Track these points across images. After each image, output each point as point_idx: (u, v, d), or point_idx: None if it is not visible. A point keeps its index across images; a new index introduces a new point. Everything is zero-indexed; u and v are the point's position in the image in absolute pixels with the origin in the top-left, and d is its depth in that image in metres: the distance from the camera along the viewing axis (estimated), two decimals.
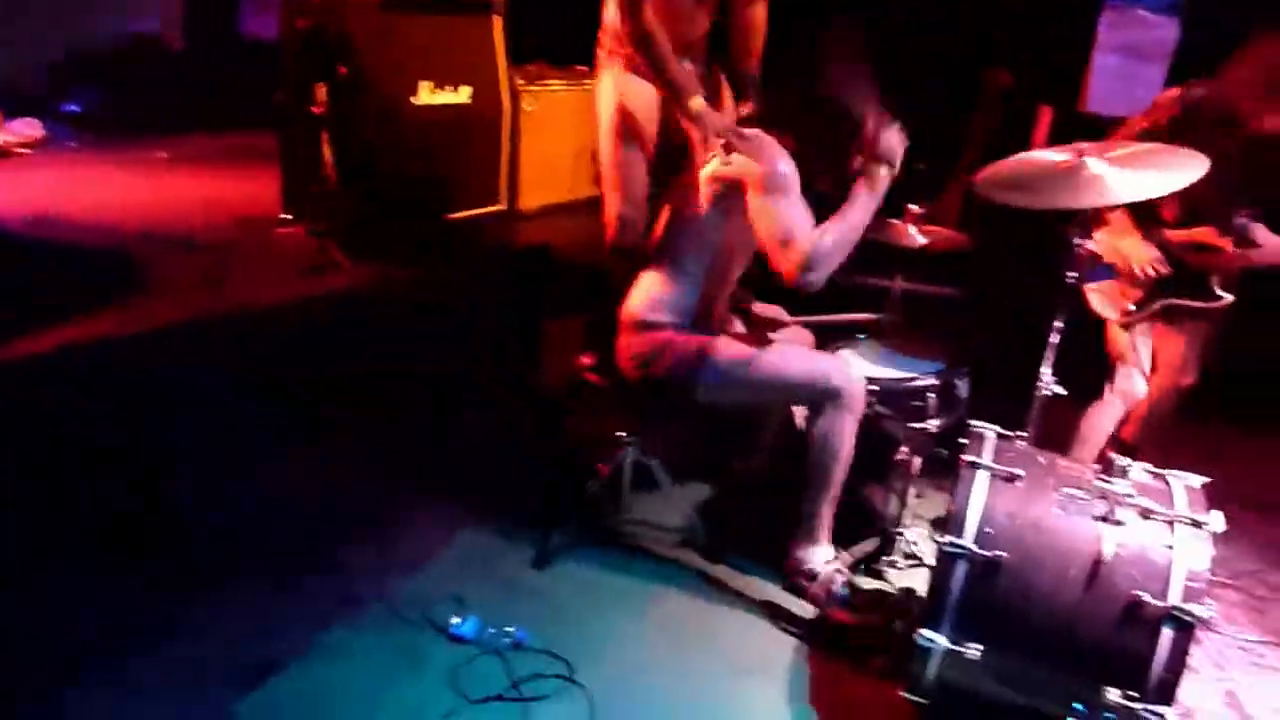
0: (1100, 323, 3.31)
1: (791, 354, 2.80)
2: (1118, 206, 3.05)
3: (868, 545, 3.01)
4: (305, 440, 2.99)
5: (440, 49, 3.68)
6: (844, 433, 2.65)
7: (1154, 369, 3.36)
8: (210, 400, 2.91)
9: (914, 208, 3.09)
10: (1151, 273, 3.07)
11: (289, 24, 3.39)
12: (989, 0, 4.72)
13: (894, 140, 2.61)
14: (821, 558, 2.75)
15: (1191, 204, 3.03)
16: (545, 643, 2.56)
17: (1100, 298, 3.20)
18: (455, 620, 2.58)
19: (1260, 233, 3.03)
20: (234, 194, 4.21)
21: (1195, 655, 2.38)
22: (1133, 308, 3.16)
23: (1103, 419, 3.29)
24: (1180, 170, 2.49)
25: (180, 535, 2.79)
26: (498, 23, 3.90)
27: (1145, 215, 3.09)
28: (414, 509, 3.13)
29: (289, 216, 3.55)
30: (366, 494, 3.14)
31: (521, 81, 4.11)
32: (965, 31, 4.97)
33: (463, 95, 3.77)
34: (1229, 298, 3.09)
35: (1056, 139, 4.48)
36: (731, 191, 2.65)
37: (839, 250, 2.56)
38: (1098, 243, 3.11)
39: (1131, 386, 3.28)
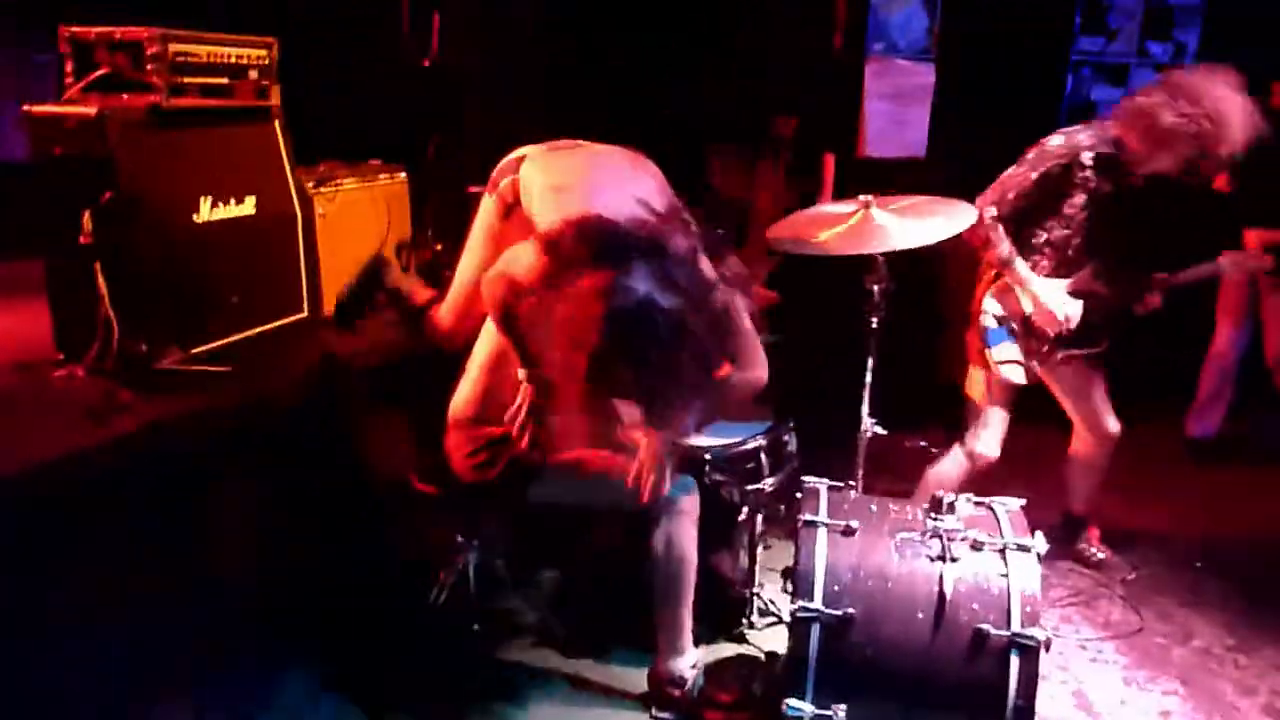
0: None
1: (623, 460, 2.60)
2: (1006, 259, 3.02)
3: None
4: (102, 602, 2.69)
5: (219, 162, 3.47)
6: (684, 539, 2.57)
7: (1074, 430, 3.42)
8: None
9: None
10: (1067, 321, 3.06)
11: (41, 151, 3.13)
12: (766, 58, 4.96)
13: None
14: (688, 664, 2.66)
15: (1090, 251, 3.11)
16: None
17: (1005, 364, 3.15)
18: None
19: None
20: None
21: (1043, 662, 2.47)
22: (1036, 365, 3.16)
23: (948, 477, 3.28)
24: (956, 218, 2.66)
25: None
26: (279, 127, 3.75)
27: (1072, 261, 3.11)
28: (232, 662, 2.82)
29: (63, 357, 3.24)
30: (172, 655, 2.82)
31: (311, 185, 3.96)
32: (745, 88, 5.20)
33: (248, 207, 3.58)
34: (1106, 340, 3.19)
35: (840, 184, 4.76)
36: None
37: None
38: (994, 301, 3.14)
39: (988, 450, 3.27)
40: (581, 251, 2.16)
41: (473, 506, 2.83)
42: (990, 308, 3.17)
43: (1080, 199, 3.03)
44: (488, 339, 2.70)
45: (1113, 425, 3.35)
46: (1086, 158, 3.00)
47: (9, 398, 3.11)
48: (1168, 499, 4.16)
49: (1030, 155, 3.05)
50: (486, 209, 2.73)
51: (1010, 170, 3.05)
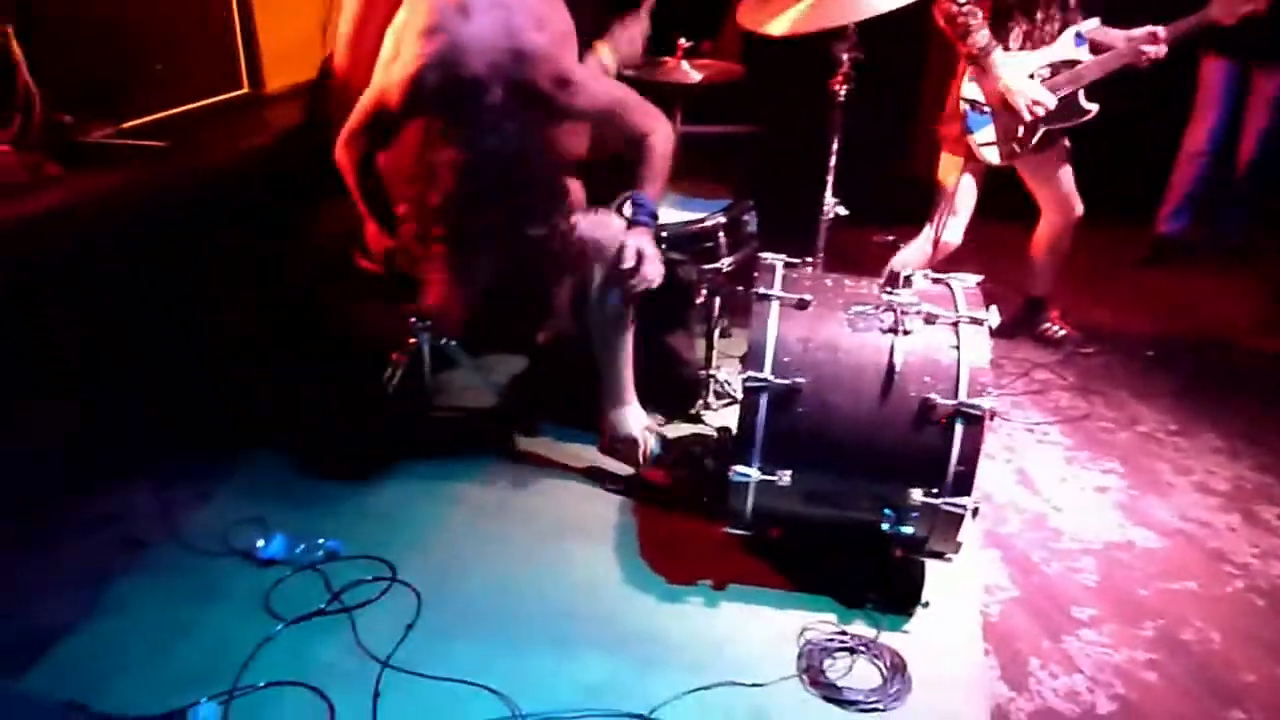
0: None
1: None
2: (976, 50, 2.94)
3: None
4: (47, 379, 2.65)
5: None
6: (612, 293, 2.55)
7: (1042, 212, 3.39)
8: None
9: (684, 42, 2.98)
10: (1040, 111, 3.00)
11: None
12: None
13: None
14: (632, 418, 2.70)
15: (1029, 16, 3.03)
16: (362, 548, 2.44)
17: (986, 145, 3.11)
18: (260, 543, 2.42)
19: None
20: None
21: (990, 443, 2.51)
22: (1015, 147, 3.09)
23: (911, 260, 3.25)
24: None
25: None
26: None
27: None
28: (188, 436, 2.86)
29: None
30: (127, 429, 2.81)
31: None
32: None
33: None
34: (1095, 107, 3.08)
35: None
36: None
37: None
38: (972, 87, 3.05)
39: (953, 237, 3.25)
40: (440, 97, 2.27)
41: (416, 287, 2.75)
42: (969, 94, 3.07)
43: None
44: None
45: (1078, 207, 3.34)
46: None
47: None
48: (1129, 294, 4.18)
49: None
50: None
51: None
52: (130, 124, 3.17)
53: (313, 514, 2.57)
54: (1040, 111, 2.99)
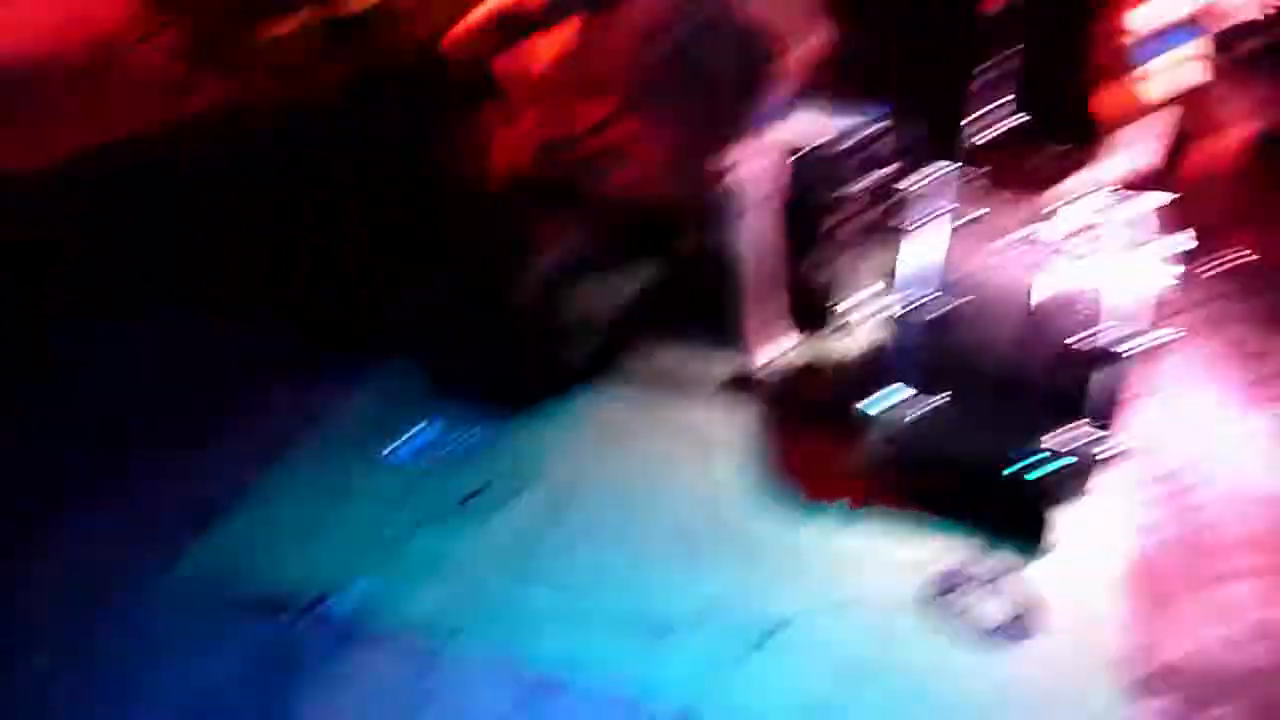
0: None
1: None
2: None
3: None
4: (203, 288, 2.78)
5: None
6: (765, 225, 2.52)
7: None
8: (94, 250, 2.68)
9: None
10: None
11: None
12: None
13: None
14: (784, 347, 2.68)
15: None
16: (504, 446, 2.51)
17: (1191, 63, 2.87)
18: (405, 437, 2.51)
19: None
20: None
21: (1147, 379, 2.36)
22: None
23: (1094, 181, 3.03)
24: None
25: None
26: None
27: None
28: (338, 343, 2.94)
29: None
30: (281, 332, 2.94)
31: None
32: None
33: None
34: None
35: None
36: None
37: None
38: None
39: (1144, 160, 3.02)
40: None
41: (555, 199, 2.75)
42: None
43: None
44: None
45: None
46: None
47: (84, 73, 3.03)
48: None
49: None
50: None
51: None
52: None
53: (459, 411, 2.64)
54: None
